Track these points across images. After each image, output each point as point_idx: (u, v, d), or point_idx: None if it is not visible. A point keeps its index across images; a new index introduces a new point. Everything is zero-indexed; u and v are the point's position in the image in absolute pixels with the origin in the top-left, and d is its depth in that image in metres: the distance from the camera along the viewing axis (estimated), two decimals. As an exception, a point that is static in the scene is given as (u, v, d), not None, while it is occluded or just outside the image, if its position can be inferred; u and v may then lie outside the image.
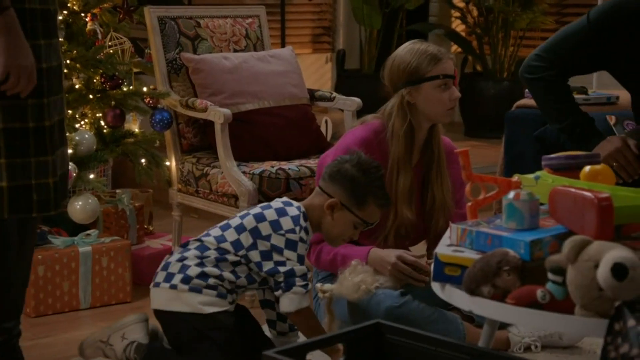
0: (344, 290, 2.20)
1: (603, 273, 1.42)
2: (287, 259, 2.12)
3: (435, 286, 1.78)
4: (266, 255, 2.14)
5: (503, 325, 2.33)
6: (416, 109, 2.34)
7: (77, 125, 3.03)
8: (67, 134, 2.93)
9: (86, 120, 3.12)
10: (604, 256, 1.44)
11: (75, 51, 3.01)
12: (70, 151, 2.95)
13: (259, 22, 3.43)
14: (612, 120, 2.97)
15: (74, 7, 3.05)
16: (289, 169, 2.99)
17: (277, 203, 2.20)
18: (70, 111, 3.02)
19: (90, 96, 3.07)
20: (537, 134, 3.08)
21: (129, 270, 2.93)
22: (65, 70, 3.01)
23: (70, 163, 2.91)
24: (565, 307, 1.52)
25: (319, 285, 2.30)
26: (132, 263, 2.98)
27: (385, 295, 2.24)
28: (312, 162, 3.07)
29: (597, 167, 1.94)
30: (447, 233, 1.90)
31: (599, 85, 3.89)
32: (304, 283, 2.13)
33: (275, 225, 2.14)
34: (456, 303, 1.73)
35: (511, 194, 1.79)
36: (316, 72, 6.20)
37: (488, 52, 5.83)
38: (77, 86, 3.06)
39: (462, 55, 6.10)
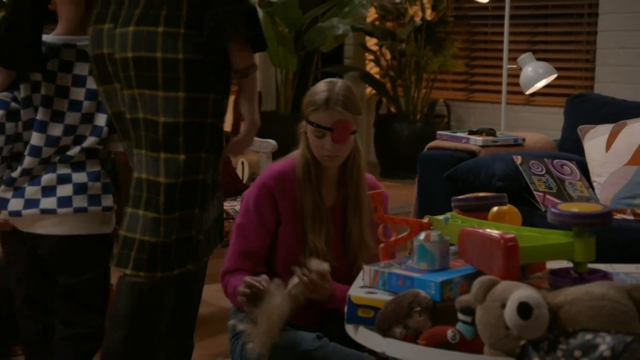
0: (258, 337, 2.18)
1: (509, 312, 1.45)
2: None
3: (349, 328, 1.79)
4: None
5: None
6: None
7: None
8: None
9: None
10: (510, 296, 1.48)
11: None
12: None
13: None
14: (518, 160, 3.07)
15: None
16: (204, 212, 2.96)
17: None
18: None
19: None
20: (448, 174, 3.15)
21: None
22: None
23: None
24: (474, 346, 1.55)
25: (233, 322, 2.26)
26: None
27: (301, 339, 2.23)
28: (228, 205, 3.05)
29: (504, 207, 1.99)
30: (361, 275, 1.91)
31: (507, 128, 4.02)
32: None
33: None
34: (369, 345, 1.73)
35: (422, 235, 1.83)
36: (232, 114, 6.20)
37: (401, 94, 5.96)
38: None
39: (377, 97, 6.21)
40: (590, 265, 1.77)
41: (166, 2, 1.76)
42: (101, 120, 2.06)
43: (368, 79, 6.10)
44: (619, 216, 2.89)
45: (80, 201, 2.02)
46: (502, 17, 4.21)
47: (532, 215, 2.75)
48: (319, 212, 2.34)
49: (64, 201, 2.02)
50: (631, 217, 2.90)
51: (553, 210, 1.72)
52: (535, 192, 2.96)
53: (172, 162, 1.79)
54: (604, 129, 3.15)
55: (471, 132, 3.40)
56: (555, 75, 3.77)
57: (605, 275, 1.74)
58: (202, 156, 1.81)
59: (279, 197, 2.33)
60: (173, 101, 1.75)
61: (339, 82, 2.33)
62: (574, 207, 1.73)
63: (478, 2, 5.04)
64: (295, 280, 2.18)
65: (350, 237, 2.38)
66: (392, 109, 6.13)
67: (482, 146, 3.27)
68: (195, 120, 1.78)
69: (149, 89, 1.76)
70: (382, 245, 2.00)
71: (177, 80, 1.75)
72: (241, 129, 1.86)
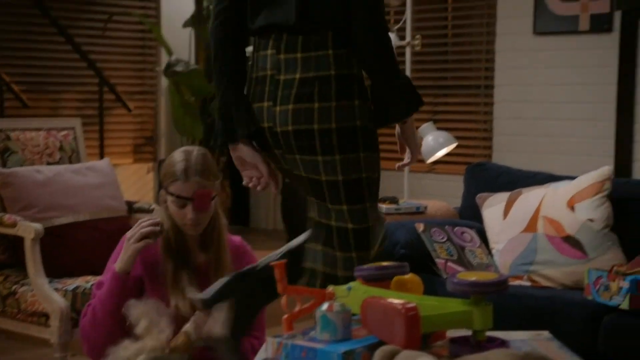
0: None
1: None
2: None
3: (253, 402, 1.76)
4: None
5: None
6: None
7: None
8: None
9: None
10: (411, 365, 1.49)
11: None
12: None
13: (74, 134, 3.37)
14: (420, 227, 3.13)
15: None
16: (105, 284, 2.89)
17: None
18: None
19: None
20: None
21: None
22: None
23: None
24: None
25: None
26: None
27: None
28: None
29: (406, 276, 2.02)
30: (264, 347, 1.89)
31: (410, 195, 4.10)
32: None
33: None
34: (273, 419, 1.71)
35: (324, 306, 1.83)
36: (137, 182, 6.13)
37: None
38: None
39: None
40: (489, 333, 1.81)
41: (317, 80, 2.02)
42: None
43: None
44: (516, 282, 2.97)
45: None
46: (403, 88, 4.33)
47: (434, 283, 2.80)
48: (180, 277, 2.36)
49: None
50: (528, 283, 2.99)
51: (452, 279, 1.76)
52: (436, 260, 3.02)
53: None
54: (501, 197, 3.26)
55: (375, 201, 3.45)
56: (455, 144, 3.89)
57: (502, 343, 1.78)
58: (367, 205, 2.11)
59: (141, 260, 2.33)
60: (331, 163, 2.04)
61: (195, 151, 2.38)
62: (472, 276, 1.77)
63: (380, 74, 5.17)
64: (192, 324, 2.23)
65: None
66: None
67: (386, 214, 3.33)
68: (352, 177, 2.07)
69: (308, 154, 2.05)
70: (285, 316, 1.99)
71: (332, 146, 2.03)
72: (407, 156, 2.17)
